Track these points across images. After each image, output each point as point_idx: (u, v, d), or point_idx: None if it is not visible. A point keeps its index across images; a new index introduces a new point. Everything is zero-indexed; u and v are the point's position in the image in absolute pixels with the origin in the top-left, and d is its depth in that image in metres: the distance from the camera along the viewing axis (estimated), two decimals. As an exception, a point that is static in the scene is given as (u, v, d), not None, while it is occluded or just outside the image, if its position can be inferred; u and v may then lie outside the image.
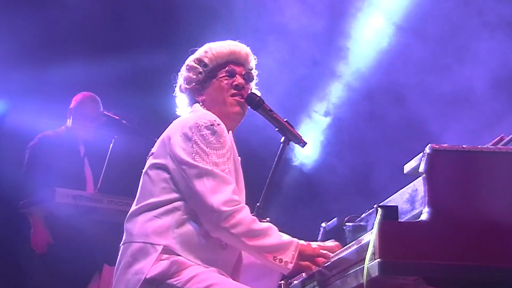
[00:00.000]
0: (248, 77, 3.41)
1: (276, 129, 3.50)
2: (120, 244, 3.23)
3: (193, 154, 3.11)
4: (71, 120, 6.22)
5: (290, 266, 3.09)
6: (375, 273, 2.63)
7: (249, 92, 3.41)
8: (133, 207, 3.24)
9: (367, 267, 2.66)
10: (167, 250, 3.07)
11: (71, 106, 6.25)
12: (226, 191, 3.08)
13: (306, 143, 3.48)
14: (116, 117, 5.99)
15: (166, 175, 3.17)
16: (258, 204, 3.44)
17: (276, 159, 3.47)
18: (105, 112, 6.05)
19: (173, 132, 3.21)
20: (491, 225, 2.68)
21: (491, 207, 2.70)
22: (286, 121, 3.48)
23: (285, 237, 3.14)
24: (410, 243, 2.64)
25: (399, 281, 2.72)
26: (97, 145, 6.14)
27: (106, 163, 5.74)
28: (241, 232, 3.06)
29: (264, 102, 3.46)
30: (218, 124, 3.18)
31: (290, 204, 7.58)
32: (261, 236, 3.08)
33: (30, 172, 6.04)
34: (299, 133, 3.49)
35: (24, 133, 6.96)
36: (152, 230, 3.10)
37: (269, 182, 3.45)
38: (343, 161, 7.66)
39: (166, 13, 7.90)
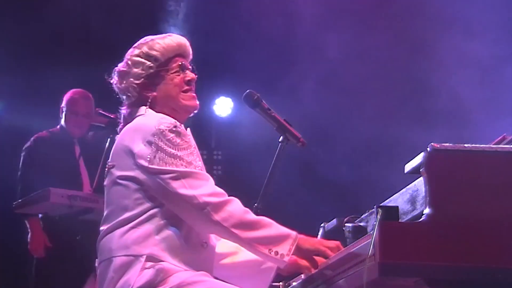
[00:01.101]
0: (193, 70, 3.34)
1: (275, 128, 3.47)
2: (96, 264, 3.12)
3: (163, 161, 3.03)
4: (63, 118, 6.19)
5: (286, 259, 3.00)
6: (375, 274, 2.60)
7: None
8: (105, 225, 3.12)
9: (367, 268, 2.62)
10: (151, 258, 2.98)
11: (62, 104, 6.22)
12: (208, 185, 3.03)
13: (306, 143, 3.45)
14: (112, 116, 5.95)
15: (136, 186, 3.07)
16: (256, 204, 3.42)
17: (274, 158, 3.44)
18: (100, 111, 6.01)
19: (132, 142, 3.10)
20: (493, 226, 2.64)
21: (493, 207, 2.66)
22: (284, 120, 3.46)
23: (283, 229, 3.06)
24: (411, 244, 2.61)
25: (399, 283, 2.69)
26: (92, 144, 6.11)
27: (101, 162, 5.69)
28: (233, 224, 2.98)
29: (262, 101, 3.44)
30: (180, 125, 3.14)
31: (290, 203, 7.55)
32: (255, 227, 3.00)
33: (25, 174, 6.01)
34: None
35: (20, 134, 6.94)
36: (132, 241, 3.01)
37: (268, 182, 3.43)
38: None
39: (164, 14, 7.88)
